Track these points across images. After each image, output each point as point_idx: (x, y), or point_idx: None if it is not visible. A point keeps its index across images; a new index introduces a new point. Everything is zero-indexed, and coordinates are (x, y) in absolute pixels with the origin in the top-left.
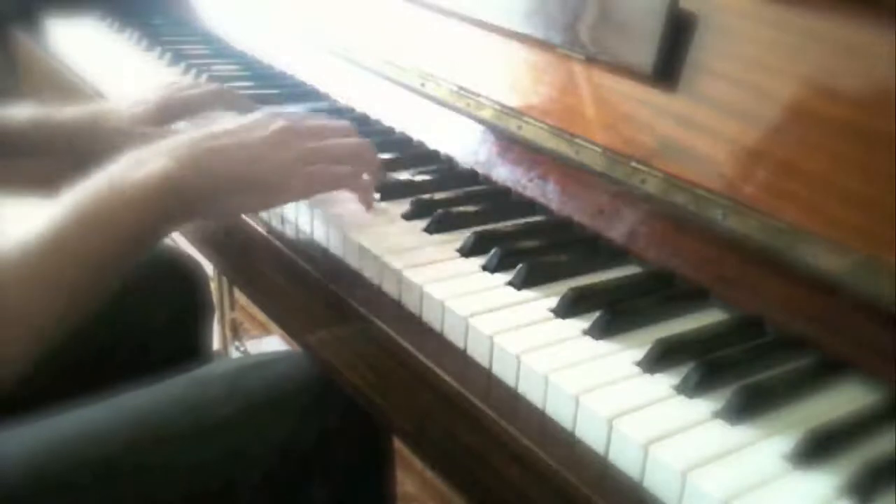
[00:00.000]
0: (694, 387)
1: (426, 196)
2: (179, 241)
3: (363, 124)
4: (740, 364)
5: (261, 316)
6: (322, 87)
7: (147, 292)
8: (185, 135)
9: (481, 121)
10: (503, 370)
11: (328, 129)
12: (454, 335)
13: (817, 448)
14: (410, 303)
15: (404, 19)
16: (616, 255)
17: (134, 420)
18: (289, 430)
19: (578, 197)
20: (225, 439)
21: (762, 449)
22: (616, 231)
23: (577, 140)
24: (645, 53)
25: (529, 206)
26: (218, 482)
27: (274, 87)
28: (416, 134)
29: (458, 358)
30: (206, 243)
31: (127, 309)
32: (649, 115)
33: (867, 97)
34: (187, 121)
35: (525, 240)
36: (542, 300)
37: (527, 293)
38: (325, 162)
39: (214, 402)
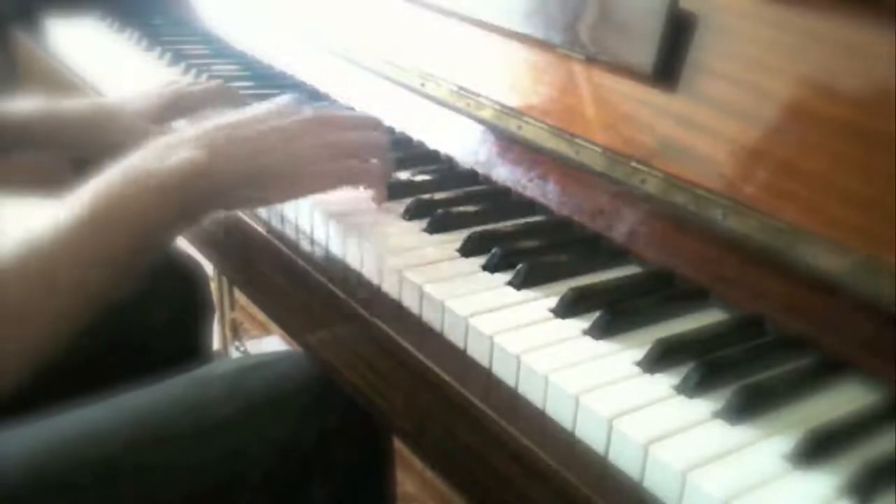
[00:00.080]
0: (694, 387)
1: (426, 196)
2: (179, 241)
3: None
4: (740, 364)
5: (261, 316)
6: (322, 87)
7: (147, 292)
8: (210, 124)
9: (481, 121)
10: (503, 370)
11: (351, 121)
12: (454, 335)
13: (817, 448)
14: (410, 303)
15: (404, 19)
16: (616, 255)
17: (134, 420)
18: (289, 430)
19: (578, 197)
20: (225, 439)
21: (762, 449)
22: (616, 231)
23: (577, 140)
24: (645, 53)
25: (529, 206)
26: (218, 482)
27: (274, 87)
28: (416, 134)
29: (458, 358)
30: (206, 243)
31: (127, 309)
32: (649, 115)
33: (867, 97)
34: (189, 118)
35: (525, 240)
36: (542, 300)
37: (527, 293)
38: (346, 155)
39: (214, 402)
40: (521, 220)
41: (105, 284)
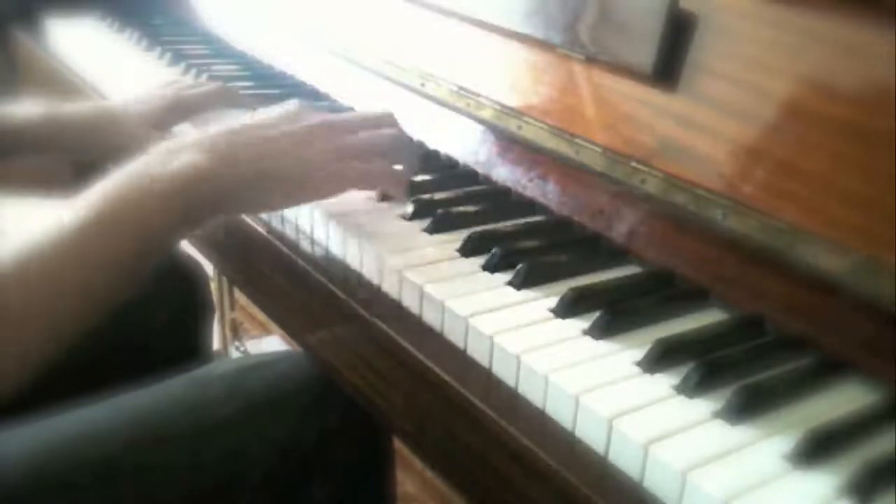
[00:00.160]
0: (694, 387)
1: (426, 196)
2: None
3: None
4: (740, 364)
5: (261, 316)
6: (322, 87)
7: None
8: (216, 128)
9: (481, 121)
10: (503, 370)
11: (362, 122)
12: (454, 335)
13: (817, 448)
14: (410, 303)
15: (404, 19)
16: (616, 255)
17: (134, 420)
18: (289, 430)
19: (578, 197)
20: (225, 439)
21: (762, 449)
22: (616, 231)
23: (577, 140)
24: (645, 53)
25: (529, 206)
26: (218, 482)
27: (274, 87)
28: (416, 134)
29: (458, 358)
30: (206, 243)
31: (127, 309)
32: (649, 115)
33: (867, 97)
34: (191, 121)
35: (525, 240)
36: (542, 300)
37: (527, 293)
38: (359, 157)
39: (214, 402)
40: (521, 220)
41: (108, 288)
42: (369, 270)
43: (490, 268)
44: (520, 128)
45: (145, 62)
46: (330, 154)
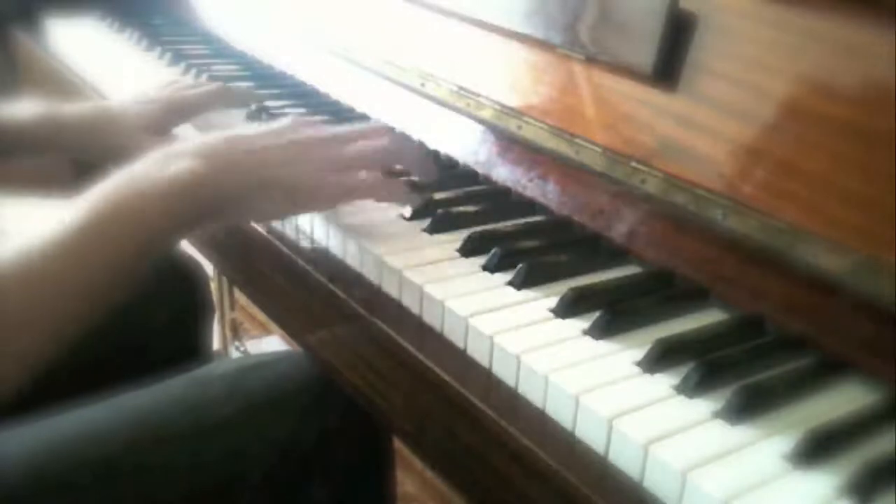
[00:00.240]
0: (694, 387)
1: (426, 196)
2: None
3: None
4: (740, 364)
5: (261, 316)
6: (322, 87)
7: (147, 292)
8: (213, 136)
9: (481, 121)
10: (503, 370)
11: (358, 134)
12: (454, 335)
13: (817, 448)
14: (410, 303)
15: (404, 19)
16: (616, 255)
17: (134, 420)
18: (289, 430)
19: (578, 197)
20: (225, 439)
21: (762, 449)
22: (616, 231)
23: (577, 140)
24: (645, 53)
25: (529, 206)
26: (218, 482)
27: (274, 86)
28: (416, 134)
29: (458, 358)
30: (206, 243)
31: (127, 309)
32: (649, 115)
33: (867, 97)
34: (191, 121)
35: (525, 240)
36: (542, 300)
37: (527, 293)
38: (354, 169)
39: (214, 402)
40: (521, 220)
41: (107, 289)
42: (369, 270)
43: (490, 268)
44: (520, 128)
45: (145, 62)
46: (325, 166)
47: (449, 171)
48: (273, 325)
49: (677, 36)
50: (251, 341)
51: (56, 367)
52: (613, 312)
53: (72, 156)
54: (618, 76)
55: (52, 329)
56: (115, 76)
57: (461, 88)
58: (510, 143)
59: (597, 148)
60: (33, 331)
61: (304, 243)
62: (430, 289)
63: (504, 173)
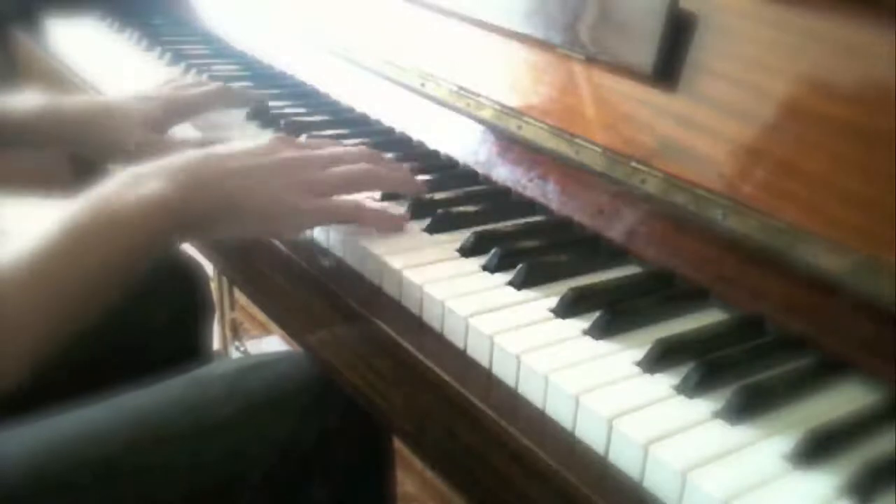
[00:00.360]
0: (694, 387)
1: (426, 196)
2: None
3: (363, 124)
4: (740, 364)
5: (261, 316)
6: (322, 87)
7: (147, 292)
8: (186, 155)
9: (481, 121)
10: (503, 370)
11: (338, 156)
12: (454, 335)
13: (817, 448)
14: (410, 303)
15: (404, 19)
16: (616, 255)
17: (134, 420)
18: (289, 430)
19: (578, 197)
20: (225, 439)
21: (762, 449)
22: (616, 231)
23: (577, 140)
24: (645, 53)
25: (529, 206)
26: (218, 482)
27: (274, 86)
28: (416, 134)
29: (458, 358)
30: (206, 243)
31: (127, 309)
32: (649, 115)
33: (867, 97)
34: (191, 121)
35: (525, 240)
36: (542, 300)
37: (527, 293)
38: (335, 192)
39: (214, 403)
40: (521, 220)
41: (88, 299)
42: (369, 270)
43: (490, 268)
44: (520, 128)
45: (145, 62)
46: (302, 189)
47: (449, 171)
48: (273, 325)
49: (677, 36)
50: (251, 341)
51: (56, 367)
52: (613, 312)
53: (71, 150)
54: (618, 76)
55: (29, 338)
56: (115, 76)
57: (461, 88)
58: (510, 143)
59: (597, 148)
60: (14, 338)
61: (304, 244)
62: (430, 289)
63: (504, 173)
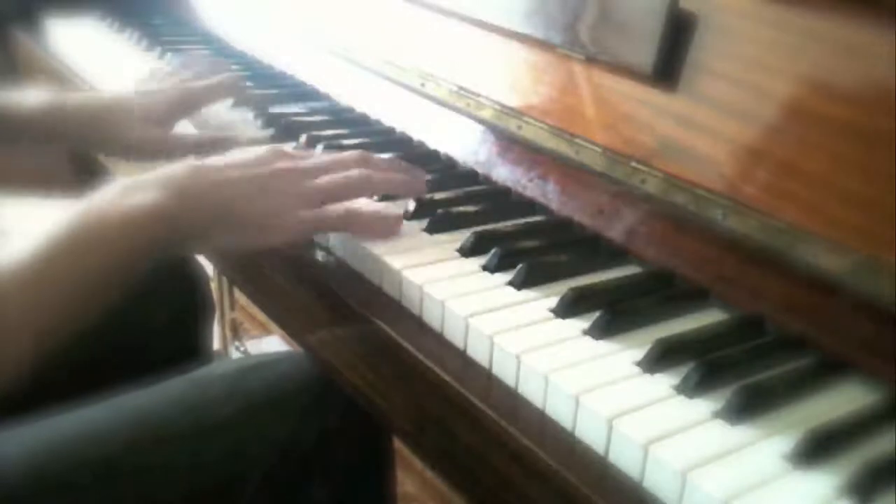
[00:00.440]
0: (694, 387)
1: (426, 196)
2: None
3: (363, 124)
4: (740, 364)
5: (261, 316)
6: (322, 87)
7: (147, 292)
8: (181, 165)
9: (481, 121)
10: (503, 370)
11: (333, 165)
12: (454, 335)
13: (817, 448)
14: (410, 303)
15: (404, 19)
16: (616, 255)
17: (134, 420)
18: (289, 430)
19: (578, 197)
20: (225, 439)
21: (762, 449)
22: (616, 231)
23: (577, 140)
24: (645, 53)
25: (529, 206)
26: (218, 482)
27: (274, 87)
28: (416, 134)
29: (458, 358)
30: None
31: (127, 309)
32: (649, 115)
33: (867, 97)
34: (195, 116)
35: (525, 240)
36: (542, 300)
37: (527, 293)
38: (329, 200)
39: (214, 403)
40: (521, 220)
41: (84, 303)
42: (369, 270)
43: (490, 268)
44: (520, 128)
45: (145, 62)
46: (296, 200)
47: (449, 171)
48: (273, 325)
49: (677, 36)
50: (251, 341)
51: (56, 367)
52: (613, 312)
53: (75, 145)
54: (618, 76)
55: (26, 340)
56: (116, 76)
57: (461, 88)
58: (510, 143)
59: (597, 148)
60: (11, 340)
61: (304, 243)
62: (429, 289)
63: (504, 173)
